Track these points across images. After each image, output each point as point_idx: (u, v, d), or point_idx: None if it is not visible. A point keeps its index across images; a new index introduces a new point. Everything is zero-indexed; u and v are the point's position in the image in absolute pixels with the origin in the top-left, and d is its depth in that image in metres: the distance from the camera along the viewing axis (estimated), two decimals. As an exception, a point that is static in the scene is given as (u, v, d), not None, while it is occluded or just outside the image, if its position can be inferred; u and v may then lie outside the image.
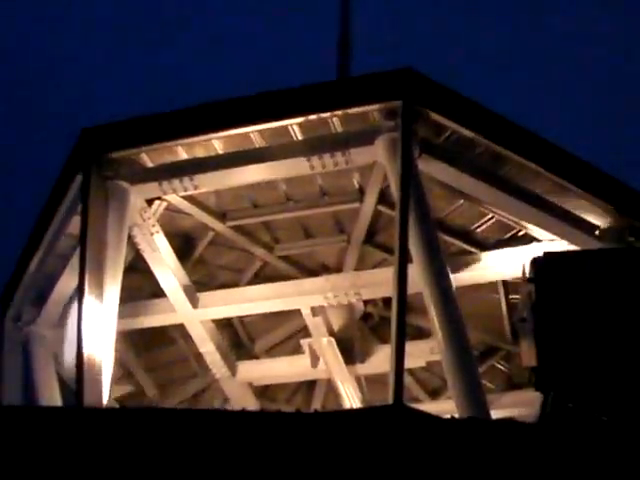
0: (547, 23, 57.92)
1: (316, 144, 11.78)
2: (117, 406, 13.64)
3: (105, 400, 11.04)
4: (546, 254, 9.57)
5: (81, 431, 8.51)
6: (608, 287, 9.06)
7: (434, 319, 10.81)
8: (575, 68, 57.18)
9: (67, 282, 12.74)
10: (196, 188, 12.22)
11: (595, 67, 57.41)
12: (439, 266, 11.10)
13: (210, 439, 8.07)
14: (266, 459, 7.94)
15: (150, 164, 12.25)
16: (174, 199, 12.84)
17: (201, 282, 13.88)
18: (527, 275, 9.37)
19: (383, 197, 12.93)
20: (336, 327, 13.66)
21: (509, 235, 13.17)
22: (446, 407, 12.50)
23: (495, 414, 11.55)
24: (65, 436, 8.45)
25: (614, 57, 56.98)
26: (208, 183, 12.27)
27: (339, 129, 11.82)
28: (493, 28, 58.43)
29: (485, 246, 13.33)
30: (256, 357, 14.91)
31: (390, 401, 10.05)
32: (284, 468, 7.95)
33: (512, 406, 13.78)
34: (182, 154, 12.18)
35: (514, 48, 57.89)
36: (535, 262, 9.33)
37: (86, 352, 11.07)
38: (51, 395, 12.75)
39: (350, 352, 13.66)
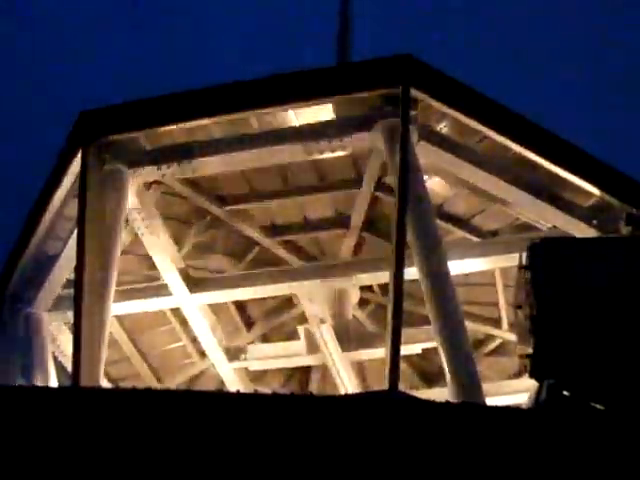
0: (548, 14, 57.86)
1: (314, 129, 11.76)
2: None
3: (100, 382, 11.06)
4: (543, 241, 9.55)
5: (77, 412, 8.51)
6: (604, 275, 9.05)
7: (431, 306, 10.82)
8: (576, 60, 57.11)
9: (65, 265, 12.73)
10: (194, 172, 12.21)
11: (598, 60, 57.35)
12: (437, 253, 11.10)
13: (204, 421, 8.07)
14: (260, 442, 7.94)
15: (148, 147, 12.22)
16: (172, 183, 12.83)
17: (198, 266, 13.88)
18: (524, 262, 9.35)
19: (381, 183, 12.92)
20: (333, 313, 13.65)
21: (507, 223, 13.17)
22: (442, 394, 12.51)
23: (491, 403, 11.57)
24: (61, 417, 8.45)
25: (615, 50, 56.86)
26: (206, 167, 12.24)
27: (338, 115, 11.80)
28: (493, 16, 58.31)
29: (483, 233, 13.33)
30: (252, 342, 14.91)
31: (385, 387, 10.06)
32: (278, 451, 7.96)
33: (508, 394, 13.80)
34: (181, 138, 12.16)
35: (514, 38, 57.80)
36: (532, 249, 9.30)
37: (82, 335, 11.08)
38: (47, 376, 12.76)
39: (346, 338, 13.65)
